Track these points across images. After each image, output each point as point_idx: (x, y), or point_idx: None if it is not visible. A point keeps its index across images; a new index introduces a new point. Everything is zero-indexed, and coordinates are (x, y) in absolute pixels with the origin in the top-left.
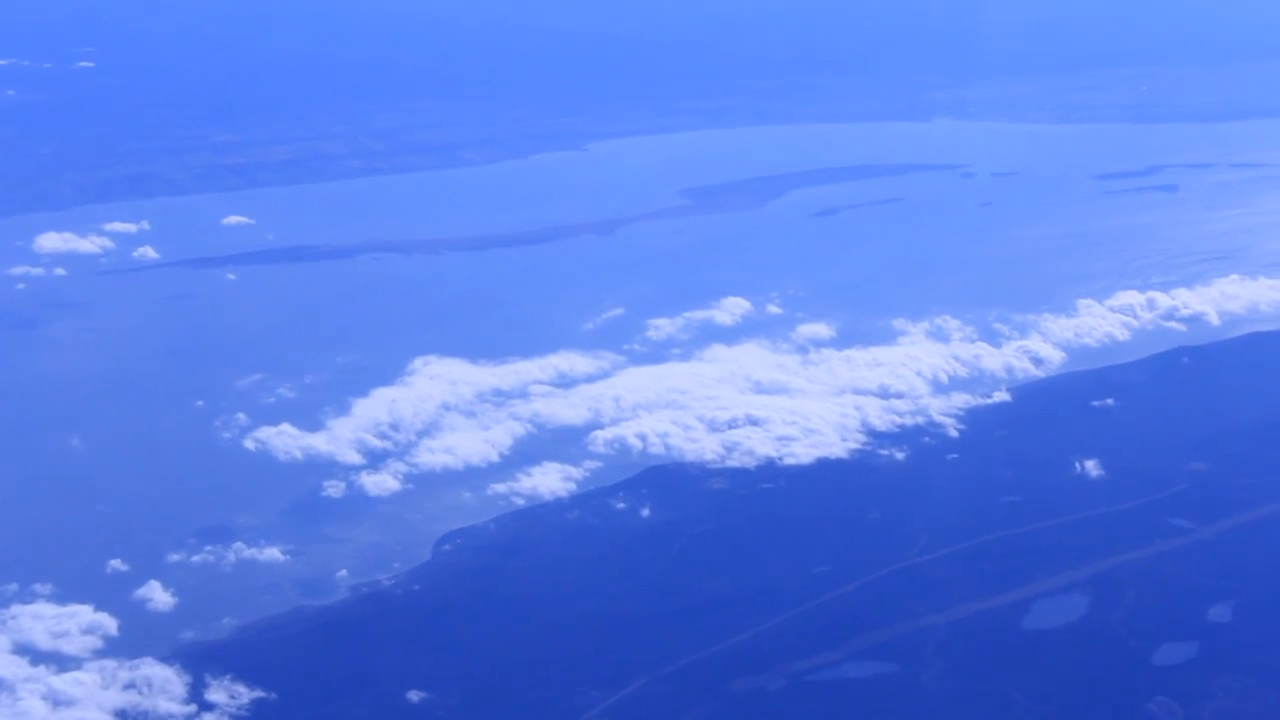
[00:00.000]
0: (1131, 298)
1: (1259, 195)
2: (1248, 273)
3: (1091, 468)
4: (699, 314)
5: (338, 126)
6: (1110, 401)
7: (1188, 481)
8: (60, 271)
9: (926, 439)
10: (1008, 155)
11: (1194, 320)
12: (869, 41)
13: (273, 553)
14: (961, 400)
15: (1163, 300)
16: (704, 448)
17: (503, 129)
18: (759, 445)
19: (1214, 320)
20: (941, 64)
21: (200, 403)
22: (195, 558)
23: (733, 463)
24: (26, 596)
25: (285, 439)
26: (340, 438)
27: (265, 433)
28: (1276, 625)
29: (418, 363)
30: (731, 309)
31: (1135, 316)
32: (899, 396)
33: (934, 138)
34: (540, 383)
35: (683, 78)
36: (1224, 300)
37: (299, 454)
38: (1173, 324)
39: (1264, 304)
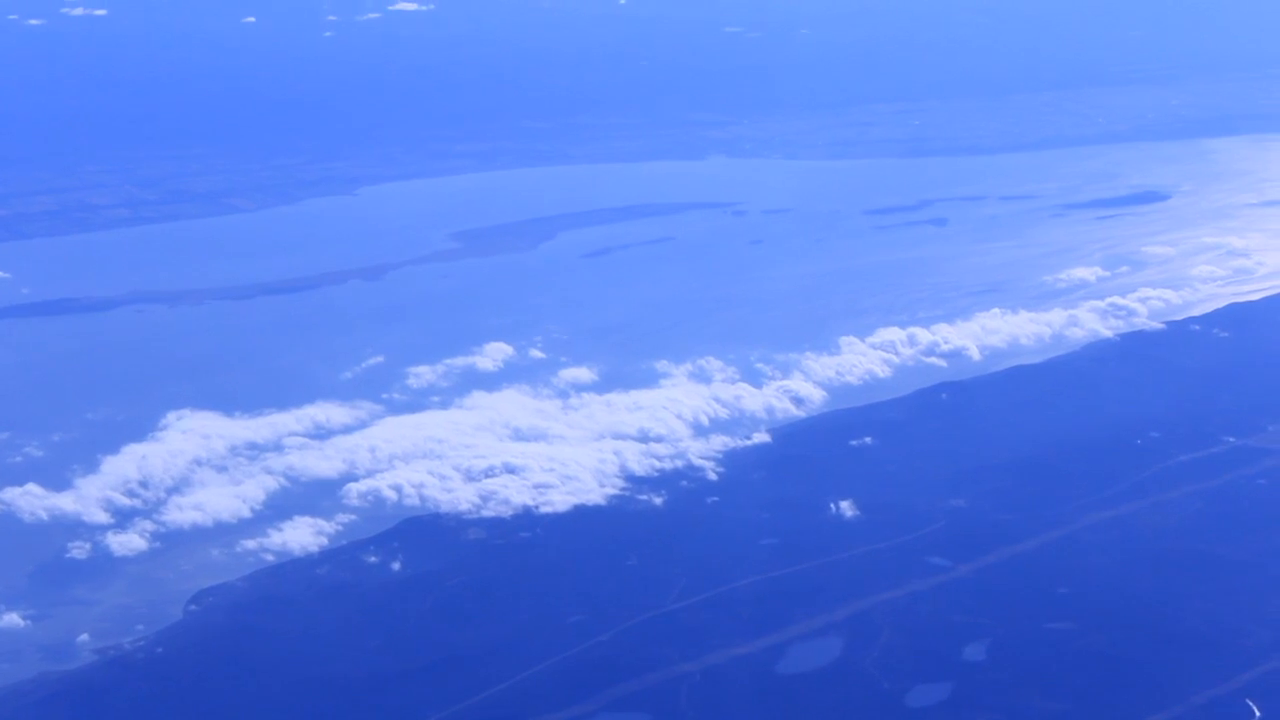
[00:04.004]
0: (893, 334)
1: (1028, 227)
2: (1010, 306)
3: (848, 508)
4: (460, 360)
5: (105, 175)
6: (869, 440)
7: (945, 519)
8: None
9: (685, 483)
10: (780, 192)
11: (955, 355)
12: (643, 81)
13: (13, 618)
14: (721, 442)
15: (924, 336)
16: (460, 498)
17: (273, 175)
18: (516, 494)
19: (975, 355)
20: (716, 102)
21: None
22: None
23: (489, 512)
24: None
25: (30, 499)
26: (88, 497)
27: (10, 493)
28: (1029, 664)
29: (171, 417)
30: (494, 354)
31: (896, 353)
32: (658, 440)
33: (707, 176)
34: (295, 435)
35: (455, 120)
36: (985, 334)
37: (44, 515)
38: (934, 359)
39: (1024, 337)
